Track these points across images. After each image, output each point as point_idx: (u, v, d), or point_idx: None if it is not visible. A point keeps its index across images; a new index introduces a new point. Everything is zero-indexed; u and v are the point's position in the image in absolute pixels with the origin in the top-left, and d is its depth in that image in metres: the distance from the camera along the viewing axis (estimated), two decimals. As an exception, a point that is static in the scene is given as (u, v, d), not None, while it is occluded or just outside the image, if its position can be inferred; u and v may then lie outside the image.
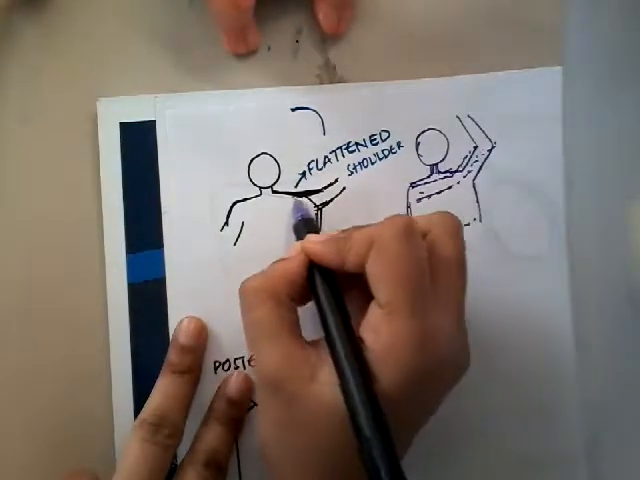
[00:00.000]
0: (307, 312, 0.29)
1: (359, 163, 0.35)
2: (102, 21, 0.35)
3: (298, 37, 0.36)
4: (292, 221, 0.33)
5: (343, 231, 0.29)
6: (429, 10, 0.37)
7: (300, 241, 0.29)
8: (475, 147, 0.35)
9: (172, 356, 0.32)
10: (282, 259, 0.29)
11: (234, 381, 0.32)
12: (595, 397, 0.25)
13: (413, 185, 0.35)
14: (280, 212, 0.34)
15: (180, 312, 0.33)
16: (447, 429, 0.33)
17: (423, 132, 0.35)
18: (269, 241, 0.34)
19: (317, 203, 0.34)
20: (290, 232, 0.33)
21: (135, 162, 0.34)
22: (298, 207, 0.33)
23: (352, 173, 0.35)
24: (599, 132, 0.25)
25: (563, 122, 0.26)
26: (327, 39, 0.36)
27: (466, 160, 0.35)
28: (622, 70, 0.24)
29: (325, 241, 0.28)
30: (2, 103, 0.35)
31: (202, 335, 0.33)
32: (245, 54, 0.35)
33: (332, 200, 0.35)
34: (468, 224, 0.35)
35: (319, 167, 0.35)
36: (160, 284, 0.33)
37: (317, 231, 0.32)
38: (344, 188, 0.35)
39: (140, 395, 0.32)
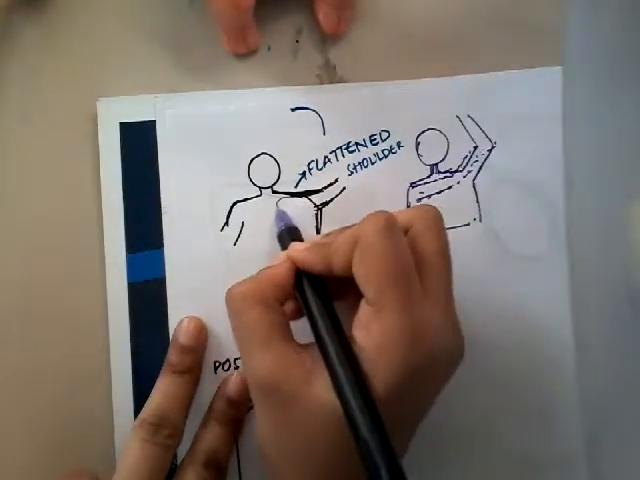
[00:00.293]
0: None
1: (359, 163, 0.35)
2: (102, 21, 0.35)
3: (298, 37, 0.36)
4: (275, 230, 0.33)
5: (325, 236, 0.29)
6: (429, 10, 0.37)
7: (285, 250, 0.30)
8: (475, 147, 0.35)
9: (172, 356, 0.32)
10: (268, 267, 0.29)
11: (234, 381, 0.32)
12: (595, 397, 0.25)
13: (413, 185, 0.35)
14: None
15: (180, 312, 0.33)
16: (447, 429, 0.33)
17: (423, 132, 0.35)
18: (269, 241, 0.34)
19: (317, 203, 0.34)
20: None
21: (135, 162, 0.34)
22: (281, 216, 0.33)
23: (352, 173, 0.35)
24: (599, 132, 0.25)
25: (563, 122, 0.26)
26: (327, 39, 0.36)
27: (466, 160, 0.35)
28: (622, 70, 0.24)
29: (309, 248, 0.28)
30: (2, 103, 0.35)
31: (202, 335, 0.33)
32: (245, 54, 0.35)
33: (332, 200, 0.35)
34: (468, 224, 0.35)
35: (319, 167, 0.35)
36: (160, 284, 0.33)
37: (301, 239, 0.32)
38: (344, 188, 0.35)
39: (140, 395, 0.32)
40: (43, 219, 0.34)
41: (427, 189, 0.35)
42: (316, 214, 0.34)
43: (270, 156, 0.34)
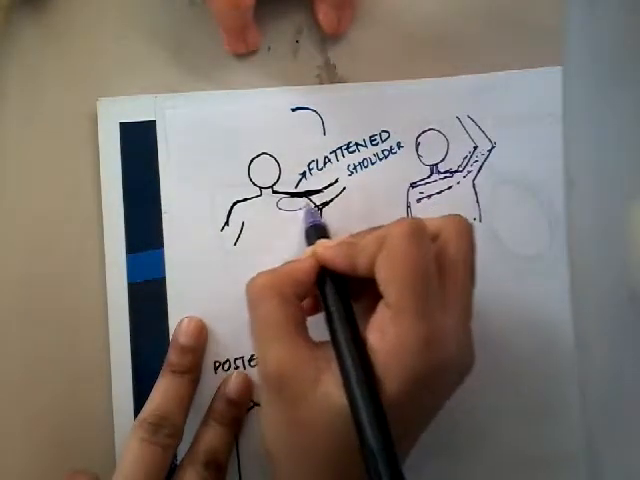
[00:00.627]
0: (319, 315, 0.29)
1: (359, 163, 0.35)
2: (102, 21, 0.35)
3: (298, 37, 0.36)
4: (304, 226, 0.33)
5: (353, 235, 0.29)
6: (429, 10, 0.37)
7: (311, 246, 0.29)
8: (475, 147, 0.35)
9: (172, 356, 0.32)
10: (292, 260, 0.29)
11: (234, 381, 0.32)
12: (595, 397, 0.25)
13: (413, 185, 0.35)
14: (280, 212, 0.34)
15: (180, 312, 0.33)
16: (446, 429, 0.33)
17: (423, 132, 0.35)
18: (269, 241, 0.34)
19: (317, 203, 0.34)
20: (293, 235, 0.33)
21: (135, 162, 0.34)
22: (310, 213, 0.33)
23: (352, 173, 0.35)
24: (599, 132, 0.24)
25: (563, 122, 0.26)
26: (327, 39, 0.36)
27: (466, 160, 0.35)
28: (622, 70, 0.24)
29: (336, 246, 0.28)
30: (2, 103, 0.35)
31: (202, 335, 0.33)
32: (245, 54, 0.35)
33: (332, 200, 0.35)
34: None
35: (319, 167, 0.35)
36: (160, 284, 0.33)
37: (328, 237, 0.31)
38: (344, 188, 0.35)
39: (140, 395, 0.32)
40: (43, 219, 0.34)
41: (427, 189, 0.35)
42: (316, 214, 0.34)
43: (270, 156, 0.34)
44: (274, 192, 0.34)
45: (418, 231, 0.26)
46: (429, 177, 0.35)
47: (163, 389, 0.31)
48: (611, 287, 0.24)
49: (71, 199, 0.34)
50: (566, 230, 0.27)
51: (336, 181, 0.35)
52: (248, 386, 0.33)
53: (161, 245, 0.33)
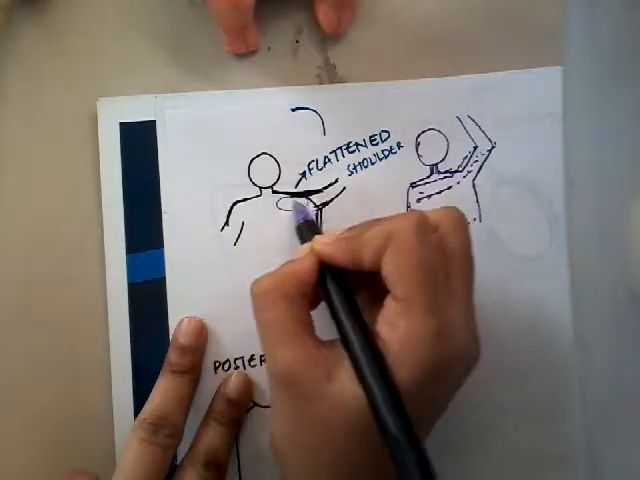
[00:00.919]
0: (318, 312, 0.29)
1: (359, 163, 0.35)
2: (102, 21, 0.35)
3: (298, 37, 0.36)
4: (294, 224, 0.33)
5: (349, 229, 0.29)
6: (429, 10, 0.37)
7: (307, 243, 0.29)
8: (475, 147, 0.35)
9: (172, 356, 0.32)
10: (292, 260, 0.29)
11: (234, 381, 0.32)
12: (595, 397, 0.25)
13: (413, 185, 0.35)
14: (280, 212, 0.34)
15: (180, 312, 0.33)
16: (451, 426, 0.33)
17: (423, 132, 0.35)
18: (269, 241, 0.34)
19: (317, 203, 0.34)
20: (292, 233, 0.33)
21: (135, 162, 0.34)
22: (299, 210, 0.33)
23: (352, 173, 0.35)
24: (599, 132, 0.24)
25: (563, 122, 0.26)
26: (327, 39, 0.36)
27: (466, 160, 0.35)
28: (622, 70, 0.24)
29: (336, 241, 0.28)
30: (2, 103, 0.35)
31: (202, 335, 0.33)
32: (245, 54, 0.35)
33: (332, 200, 0.35)
34: (468, 224, 0.34)
35: (319, 167, 0.35)
36: (160, 284, 0.33)
37: (320, 232, 0.31)
38: (344, 188, 0.35)
39: (140, 395, 0.32)
40: (43, 219, 0.34)
41: (427, 189, 0.35)
42: (316, 214, 0.34)
43: (270, 156, 0.34)
44: (274, 192, 0.34)
45: (425, 225, 0.26)
46: (429, 177, 0.35)
47: (163, 389, 0.31)
48: (611, 287, 0.24)
49: (71, 199, 0.34)
50: (566, 230, 0.27)
51: (336, 181, 0.35)
52: (248, 386, 0.33)
53: (161, 245, 0.33)
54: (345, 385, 0.25)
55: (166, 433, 0.30)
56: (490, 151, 0.35)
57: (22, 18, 0.35)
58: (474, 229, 0.28)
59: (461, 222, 0.28)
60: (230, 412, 0.32)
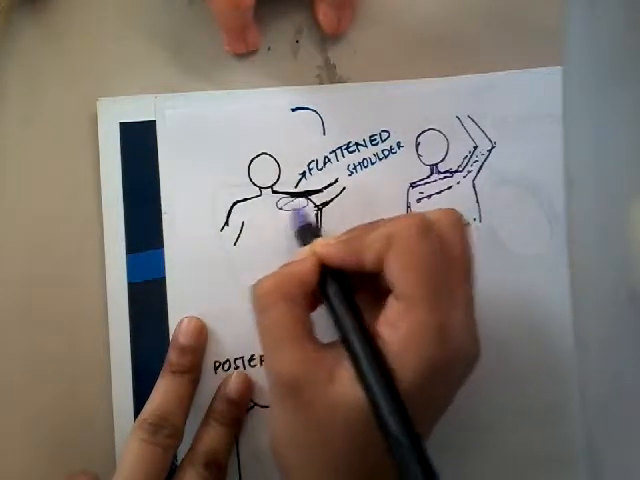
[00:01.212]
0: (316, 314, 0.29)
1: (359, 163, 0.35)
2: (102, 21, 0.35)
3: (298, 37, 0.36)
4: (294, 227, 0.33)
5: (349, 231, 0.29)
6: (429, 10, 0.37)
7: (307, 246, 0.29)
8: (475, 147, 0.35)
9: (172, 356, 0.32)
10: (292, 261, 0.29)
11: (234, 381, 0.32)
12: (595, 397, 0.25)
13: (413, 185, 0.35)
14: (280, 212, 0.34)
15: (180, 312, 0.33)
16: (451, 427, 0.33)
17: (423, 132, 0.35)
18: (269, 241, 0.34)
19: (317, 203, 0.34)
20: (292, 233, 0.33)
21: (135, 162, 0.34)
22: (299, 214, 0.33)
23: (352, 173, 0.35)
24: (599, 132, 0.24)
25: (563, 122, 0.26)
26: (327, 39, 0.36)
27: (466, 160, 0.35)
28: (622, 70, 0.24)
29: (337, 243, 0.28)
30: (2, 103, 0.35)
31: (202, 335, 0.33)
32: (245, 54, 0.35)
33: (332, 200, 0.35)
34: (468, 224, 0.35)
35: (319, 167, 0.35)
36: (160, 284, 0.33)
37: (319, 235, 0.31)
38: (344, 188, 0.35)
39: (140, 395, 0.32)
40: (43, 219, 0.34)
41: (427, 189, 0.35)
42: (316, 214, 0.34)
43: (270, 156, 0.34)
44: (274, 192, 0.34)
45: (427, 225, 0.27)
46: (429, 177, 0.35)
47: (163, 389, 0.31)
48: (611, 287, 0.24)
49: (71, 199, 0.34)
50: (566, 230, 0.27)
51: (336, 181, 0.35)
52: (248, 386, 0.33)
53: (161, 245, 0.33)
54: (345, 386, 0.25)
55: (166, 433, 0.30)
56: (490, 151, 0.35)
57: (22, 18, 0.35)
58: (474, 229, 0.28)
59: (459, 222, 0.28)
60: (230, 412, 0.32)
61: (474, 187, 0.35)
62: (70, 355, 0.33)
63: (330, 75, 0.36)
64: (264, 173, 0.34)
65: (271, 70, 0.35)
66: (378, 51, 0.36)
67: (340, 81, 0.36)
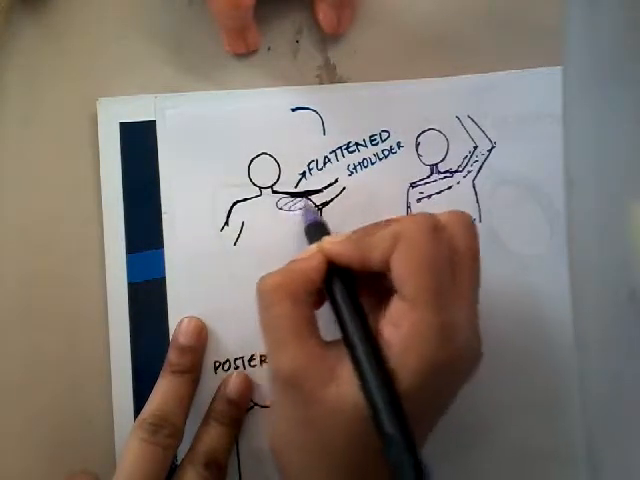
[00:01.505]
0: (320, 312, 0.29)
1: (359, 163, 0.35)
2: (102, 21, 0.35)
3: (298, 37, 0.36)
4: (303, 224, 0.33)
5: (355, 231, 0.29)
6: (429, 10, 0.37)
7: (315, 243, 0.29)
8: (475, 147, 0.35)
9: (172, 356, 0.32)
10: (299, 258, 0.28)
11: (234, 381, 0.32)
12: (595, 397, 0.25)
13: (413, 185, 0.35)
14: (280, 212, 0.34)
15: (180, 312, 0.33)
16: (453, 425, 0.33)
17: (423, 132, 0.35)
18: (269, 241, 0.34)
19: (317, 203, 0.34)
20: (292, 233, 0.33)
21: (135, 162, 0.34)
22: (310, 211, 0.33)
23: (352, 173, 0.35)
24: (599, 132, 0.25)
25: (563, 122, 0.26)
26: (327, 39, 0.36)
27: (466, 160, 0.35)
28: (622, 70, 0.24)
29: (344, 241, 0.28)
30: (2, 103, 0.35)
31: (202, 335, 0.33)
32: (245, 54, 0.35)
33: (332, 200, 0.35)
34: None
35: (319, 167, 0.35)
36: (160, 284, 0.33)
37: (328, 234, 0.31)
38: (344, 188, 0.35)
39: (140, 395, 0.32)
40: (43, 219, 0.34)
41: (427, 189, 0.35)
42: (316, 214, 0.34)
43: (270, 156, 0.34)
44: (274, 192, 0.34)
45: (434, 226, 0.27)
46: (429, 177, 0.35)
47: (163, 389, 0.31)
48: (611, 287, 0.24)
49: (71, 199, 0.34)
50: (566, 230, 0.27)
51: (336, 181, 0.35)
52: (248, 386, 0.33)
53: (161, 245, 0.33)
54: (346, 385, 0.25)
55: (166, 433, 0.30)
56: (490, 151, 0.35)
57: (22, 18, 0.35)
58: (474, 229, 0.28)
59: (472, 227, 0.28)
60: (230, 412, 0.32)
61: (474, 187, 0.35)
62: (70, 355, 0.33)
63: (330, 75, 0.36)
64: (264, 173, 0.34)
65: (271, 70, 0.35)
66: (378, 51, 0.36)
67: (340, 81, 0.36)
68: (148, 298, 0.33)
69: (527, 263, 0.35)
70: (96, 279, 0.33)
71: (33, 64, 0.35)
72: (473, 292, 0.27)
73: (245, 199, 0.34)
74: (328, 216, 0.34)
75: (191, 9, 0.36)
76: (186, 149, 0.34)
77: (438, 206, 0.34)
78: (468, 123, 0.35)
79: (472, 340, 0.27)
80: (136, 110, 0.34)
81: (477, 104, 0.35)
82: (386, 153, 0.35)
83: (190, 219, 0.34)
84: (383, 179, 0.35)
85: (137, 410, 0.32)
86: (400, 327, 0.25)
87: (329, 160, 0.35)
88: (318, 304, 0.29)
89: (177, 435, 0.31)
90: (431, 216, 0.27)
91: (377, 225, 0.28)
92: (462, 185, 0.35)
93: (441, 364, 0.25)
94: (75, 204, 0.34)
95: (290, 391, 0.26)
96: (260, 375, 0.33)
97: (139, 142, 0.34)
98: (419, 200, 0.35)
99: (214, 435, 0.31)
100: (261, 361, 0.33)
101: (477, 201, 0.35)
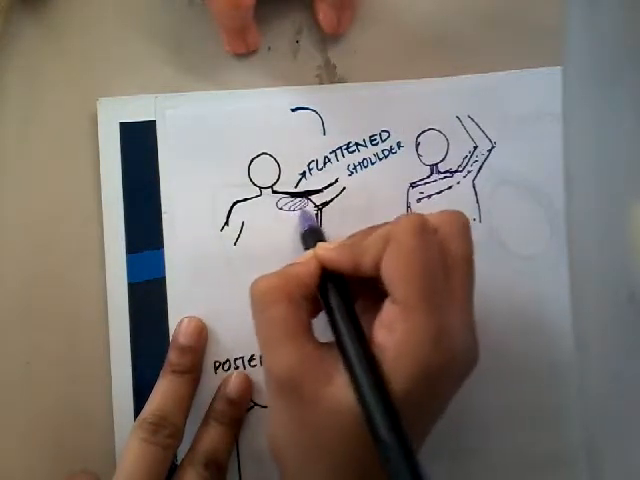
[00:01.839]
0: (319, 318, 0.29)
1: (359, 163, 0.35)
2: (102, 21, 0.35)
3: (298, 37, 0.36)
4: (299, 230, 0.33)
5: (351, 236, 0.29)
6: (429, 10, 0.37)
7: (310, 250, 0.29)
8: (475, 147, 0.35)
9: (172, 356, 0.32)
10: (294, 263, 0.29)
11: (234, 381, 0.32)
12: (595, 397, 0.25)
13: (413, 185, 0.35)
14: (280, 212, 0.34)
15: (180, 312, 0.33)
16: (450, 429, 0.33)
17: (423, 132, 0.35)
18: (269, 241, 0.34)
19: (317, 203, 0.34)
20: (292, 233, 0.33)
21: (135, 162, 0.34)
22: (305, 217, 0.33)
23: (352, 173, 0.35)
24: (599, 132, 0.25)
25: (563, 122, 0.26)
26: (327, 39, 0.36)
27: (466, 160, 0.35)
28: (622, 70, 0.24)
29: (338, 247, 0.28)
30: (2, 103, 0.35)
31: (202, 335, 0.33)
32: (245, 54, 0.35)
33: (332, 200, 0.35)
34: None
35: (319, 167, 0.35)
36: (160, 284, 0.33)
37: (324, 240, 0.31)
38: (344, 188, 0.35)
39: (140, 395, 0.32)
40: (43, 219, 0.34)
41: (427, 189, 0.35)
42: (316, 214, 0.34)
43: (270, 156, 0.34)
44: (274, 192, 0.34)
45: (422, 227, 0.26)
46: (429, 177, 0.35)
47: (163, 389, 0.31)
48: (611, 287, 0.24)
49: (71, 199, 0.34)
50: (566, 230, 0.27)
51: (336, 181, 0.35)
52: (248, 386, 0.33)
53: (161, 245, 0.33)
54: (341, 389, 0.25)
55: (166, 433, 0.30)
56: (490, 151, 0.35)
57: (22, 18, 0.35)
58: (474, 229, 0.28)
59: (466, 227, 0.28)
60: (230, 412, 0.32)
61: (474, 187, 0.35)
62: (70, 355, 0.33)
63: (330, 75, 0.36)
64: (264, 173, 0.34)
65: (271, 70, 0.35)
66: (378, 51, 0.36)
67: (340, 81, 0.36)
68: (148, 298, 0.33)
69: (527, 263, 0.35)
70: (96, 279, 0.33)
71: (33, 64, 0.35)
72: (467, 294, 0.27)
73: (245, 199, 0.34)
74: (328, 216, 0.34)
75: (191, 9, 0.36)
76: (186, 149, 0.34)
77: (438, 206, 0.34)
78: (468, 123, 0.35)
79: (468, 342, 0.27)
80: (136, 110, 0.34)
81: (477, 104, 0.35)
82: (386, 153, 0.35)
83: (190, 219, 0.34)
84: (383, 179, 0.35)
85: (137, 410, 0.32)
86: (393, 331, 0.25)
87: (329, 160, 0.35)
88: (314, 313, 0.29)
89: (177, 435, 0.31)
90: (420, 217, 0.27)
91: (370, 229, 0.28)
92: (462, 185, 0.35)
93: (435, 368, 0.25)
94: (75, 204, 0.34)
95: (286, 392, 0.26)
96: (260, 375, 0.33)
97: (139, 142, 0.34)
98: (419, 200, 0.35)
99: (214, 435, 0.31)
100: (261, 361, 0.33)
101: (477, 201, 0.35)
